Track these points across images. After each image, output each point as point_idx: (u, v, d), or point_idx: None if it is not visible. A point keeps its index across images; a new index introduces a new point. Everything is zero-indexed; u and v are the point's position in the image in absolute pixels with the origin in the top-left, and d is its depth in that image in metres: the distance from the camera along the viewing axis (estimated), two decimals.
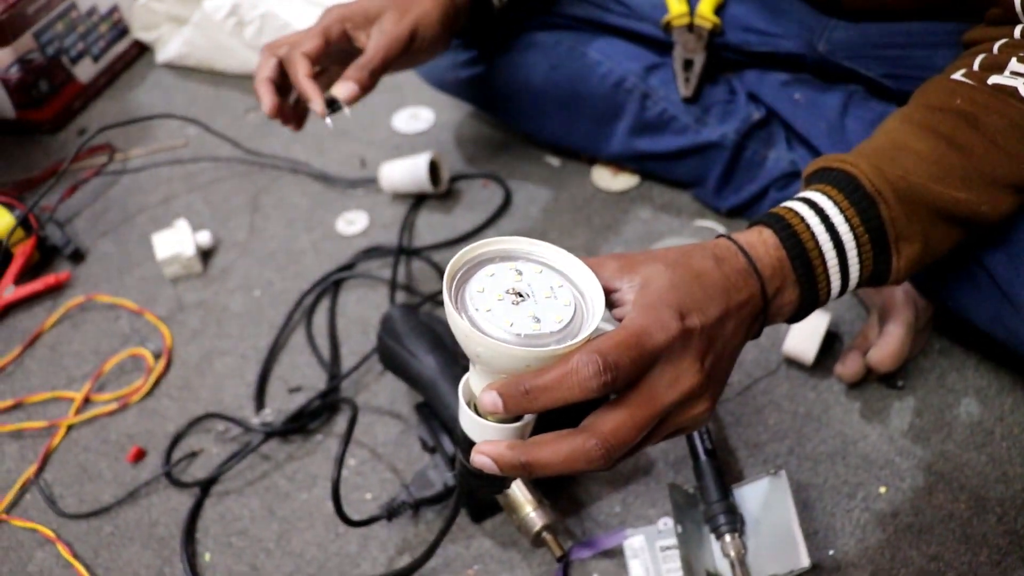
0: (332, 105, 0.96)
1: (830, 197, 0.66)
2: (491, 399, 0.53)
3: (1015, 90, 0.69)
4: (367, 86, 0.96)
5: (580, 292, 0.57)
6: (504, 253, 0.58)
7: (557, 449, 0.54)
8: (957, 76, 0.72)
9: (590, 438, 0.53)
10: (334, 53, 0.98)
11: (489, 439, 0.57)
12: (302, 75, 0.94)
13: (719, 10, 1.15)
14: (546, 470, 0.54)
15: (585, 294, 0.56)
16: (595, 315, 0.54)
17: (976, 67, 0.72)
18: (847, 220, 0.65)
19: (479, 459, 0.56)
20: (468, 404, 0.58)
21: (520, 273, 0.56)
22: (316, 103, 0.94)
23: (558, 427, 0.55)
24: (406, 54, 0.98)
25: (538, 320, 0.53)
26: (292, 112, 1.02)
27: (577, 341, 0.52)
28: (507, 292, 0.54)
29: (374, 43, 0.96)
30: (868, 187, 0.65)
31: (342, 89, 0.95)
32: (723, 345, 0.59)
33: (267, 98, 0.97)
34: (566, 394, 0.52)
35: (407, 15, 0.97)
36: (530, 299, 0.54)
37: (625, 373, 0.52)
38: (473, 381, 0.57)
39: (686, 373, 0.55)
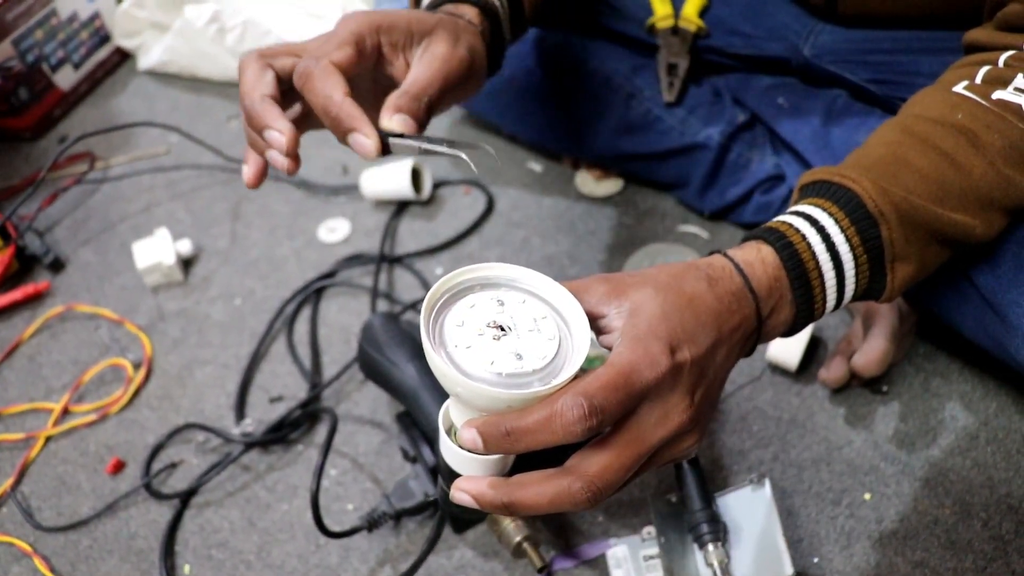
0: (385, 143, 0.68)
1: (831, 214, 0.63)
2: (471, 437, 0.51)
3: (1019, 107, 0.67)
4: (422, 122, 0.71)
5: (565, 322, 0.54)
6: (485, 281, 0.56)
7: (541, 491, 0.52)
8: (959, 88, 0.70)
9: (576, 481, 0.51)
10: (354, 76, 0.71)
11: (469, 470, 0.55)
12: (340, 93, 0.66)
13: (704, 12, 1.15)
14: (529, 511, 0.53)
15: (570, 325, 0.54)
16: (580, 352, 0.52)
17: (979, 80, 0.70)
18: (848, 240, 0.63)
19: (460, 496, 0.54)
20: (448, 432, 0.56)
21: (502, 304, 0.54)
22: (367, 135, 0.67)
23: (540, 457, 0.54)
24: (458, 89, 0.75)
25: (520, 357, 0.51)
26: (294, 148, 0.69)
27: (560, 382, 0.50)
28: (488, 326, 0.52)
29: (426, 68, 0.71)
30: (871, 207, 0.63)
31: (398, 121, 0.68)
32: (714, 374, 0.57)
33: (284, 129, 0.68)
34: (549, 437, 0.50)
35: (461, 40, 0.74)
36: (512, 333, 0.52)
37: (612, 416, 0.50)
38: (453, 411, 0.55)
39: (675, 410, 0.54)
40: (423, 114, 0.70)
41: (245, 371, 1.06)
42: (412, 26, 0.72)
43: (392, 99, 0.69)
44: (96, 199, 1.36)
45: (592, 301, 0.56)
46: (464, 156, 0.68)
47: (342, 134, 0.68)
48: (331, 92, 0.66)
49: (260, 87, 0.69)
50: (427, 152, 0.69)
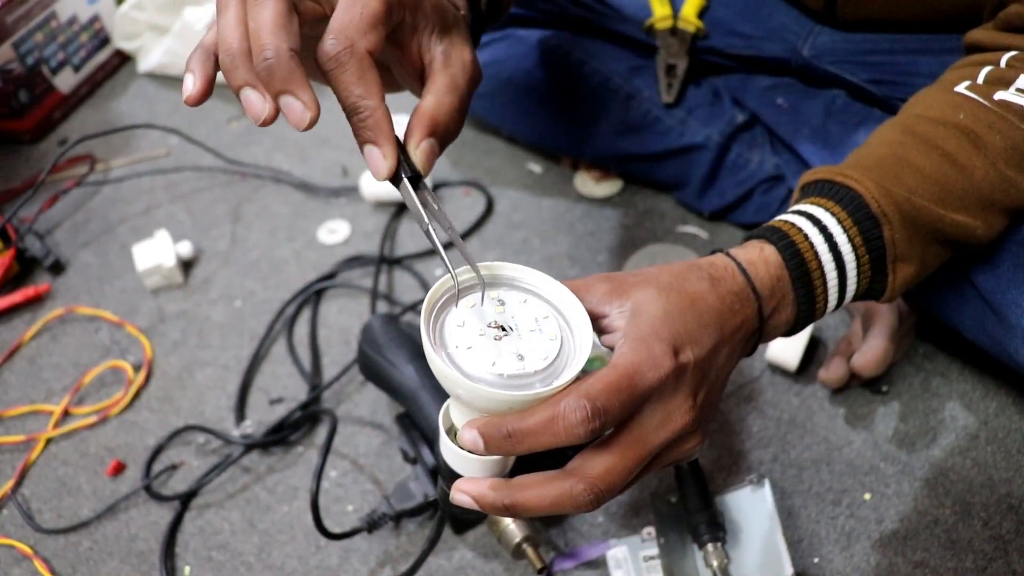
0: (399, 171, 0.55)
1: (833, 214, 0.64)
2: (471, 438, 0.51)
3: (1020, 108, 0.67)
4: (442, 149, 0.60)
5: (567, 322, 0.54)
6: (486, 280, 0.55)
7: (543, 493, 0.52)
8: (961, 89, 0.70)
9: (578, 483, 0.51)
10: None
11: (470, 471, 0.55)
12: (376, 99, 0.54)
13: (703, 13, 1.15)
14: (530, 513, 0.53)
15: (572, 324, 0.54)
16: (582, 352, 0.52)
17: (981, 80, 0.70)
18: (850, 240, 0.63)
19: (460, 498, 0.54)
20: (448, 432, 0.56)
21: (503, 303, 0.53)
22: (386, 156, 0.54)
23: (541, 456, 0.53)
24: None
25: (522, 358, 0.51)
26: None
27: (562, 383, 0.50)
28: (489, 326, 0.52)
29: (459, 75, 0.61)
30: (874, 207, 0.63)
31: (424, 151, 0.57)
32: (716, 375, 0.57)
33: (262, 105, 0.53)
34: (551, 439, 0.50)
35: (468, 39, 0.64)
36: (513, 333, 0.52)
37: (614, 418, 0.50)
38: (454, 412, 0.55)
39: (677, 411, 0.53)
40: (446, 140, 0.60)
41: (245, 373, 1.06)
42: (435, 12, 0.60)
43: (427, 115, 0.58)
44: (96, 201, 1.36)
45: (594, 300, 0.56)
46: (451, 272, 0.53)
47: (361, 141, 0.55)
48: (366, 95, 0.53)
49: (286, 37, 0.51)
50: (423, 231, 0.55)
